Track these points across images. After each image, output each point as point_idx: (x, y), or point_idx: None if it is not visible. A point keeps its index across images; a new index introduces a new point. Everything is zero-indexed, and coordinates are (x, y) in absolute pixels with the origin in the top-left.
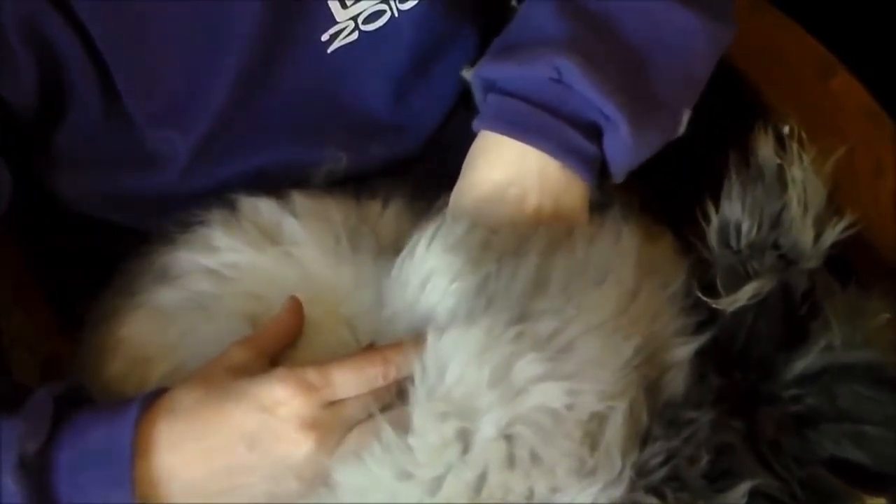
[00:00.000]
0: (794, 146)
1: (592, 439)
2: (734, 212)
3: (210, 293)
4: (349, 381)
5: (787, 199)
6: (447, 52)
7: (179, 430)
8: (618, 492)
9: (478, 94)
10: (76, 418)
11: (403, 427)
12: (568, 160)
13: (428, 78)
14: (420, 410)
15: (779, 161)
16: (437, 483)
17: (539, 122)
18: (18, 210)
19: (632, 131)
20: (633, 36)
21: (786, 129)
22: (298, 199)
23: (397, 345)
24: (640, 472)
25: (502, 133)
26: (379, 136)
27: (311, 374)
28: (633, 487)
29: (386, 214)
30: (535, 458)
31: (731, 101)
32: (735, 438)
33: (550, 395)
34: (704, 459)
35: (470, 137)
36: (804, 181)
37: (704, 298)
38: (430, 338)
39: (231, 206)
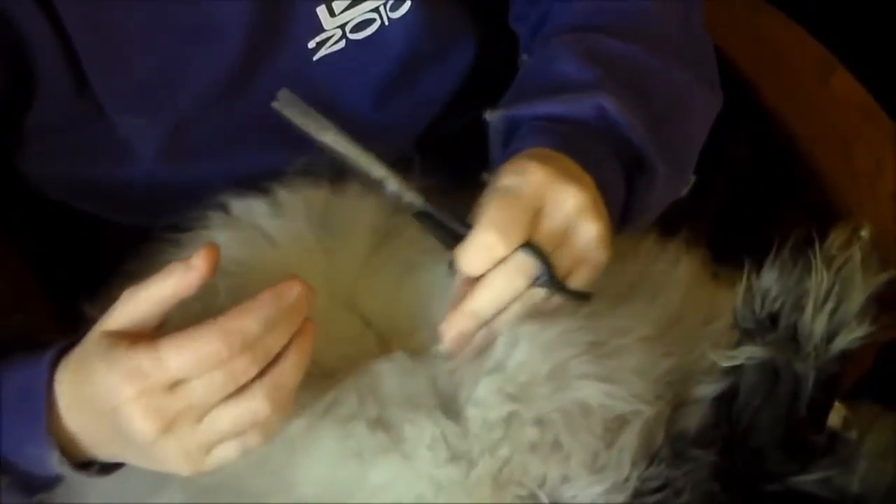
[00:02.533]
0: (857, 251)
1: (611, 437)
2: (768, 280)
3: (217, 285)
4: (186, 361)
5: (808, 289)
6: (437, 60)
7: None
8: (621, 497)
9: (498, 136)
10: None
11: (281, 409)
12: (607, 192)
13: (414, 85)
14: (487, 383)
15: (833, 255)
16: (477, 460)
17: (588, 144)
18: (15, 208)
19: (664, 177)
20: (656, 91)
21: (863, 232)
22: (284, 196)
23: (238, 311)
24: (639, 491)
25: (551, 147)
26: (360, 140)
27: (144, 360)
28: (632, 499)
29: (365, 198)
30: (556, 444)
31: (731, 100)
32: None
33: (589, 392)
34: (685, 498)
35: (458, 141)
36: (838, 282)
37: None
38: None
39: (223, 209)
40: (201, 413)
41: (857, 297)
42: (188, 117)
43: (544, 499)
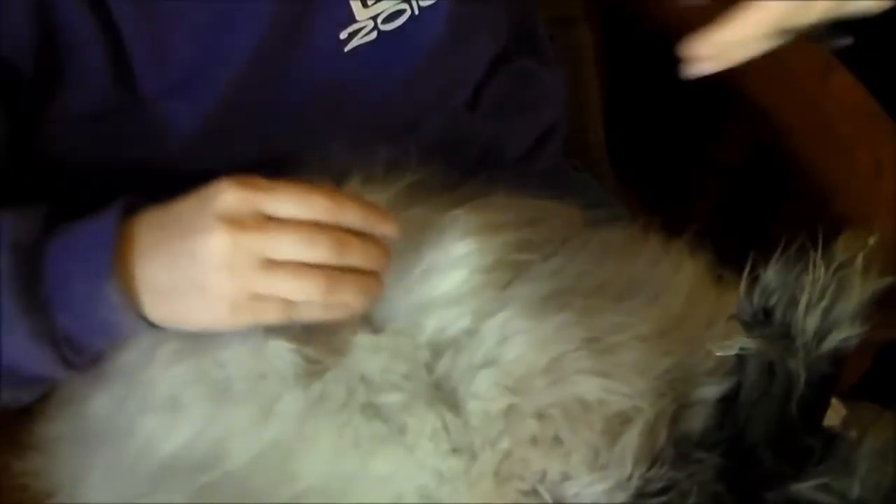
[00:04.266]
0: (860, 256)
1: (612, 436)
2: (768, 275)
3: None
4: (292, 197)
5: (803, 285)
6: (464, 51)
7: (147, 226)
8: (623, 496)
9: None
10: (65, 224)
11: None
12: None
13: (442, 77)
14: (485, 377)
15: (835, 255)
16: (478, 453)
17: None
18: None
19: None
20: None
21: (871, 240)
22: None
23: (354, 196)
24: (641, 491)
25: None
26: (386, 134)
27: (259, 179)
28: (635, 500)
29: (362, 192)
30: (556, 440)
31: (730, 101)
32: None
33: (587, 387)
34: (692, 501)
35: (478, 139)
36: (834, 282)
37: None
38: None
39: None
40: (270, 263)
41: (854, 298)
42: (223, 106)
43: (546, 495)
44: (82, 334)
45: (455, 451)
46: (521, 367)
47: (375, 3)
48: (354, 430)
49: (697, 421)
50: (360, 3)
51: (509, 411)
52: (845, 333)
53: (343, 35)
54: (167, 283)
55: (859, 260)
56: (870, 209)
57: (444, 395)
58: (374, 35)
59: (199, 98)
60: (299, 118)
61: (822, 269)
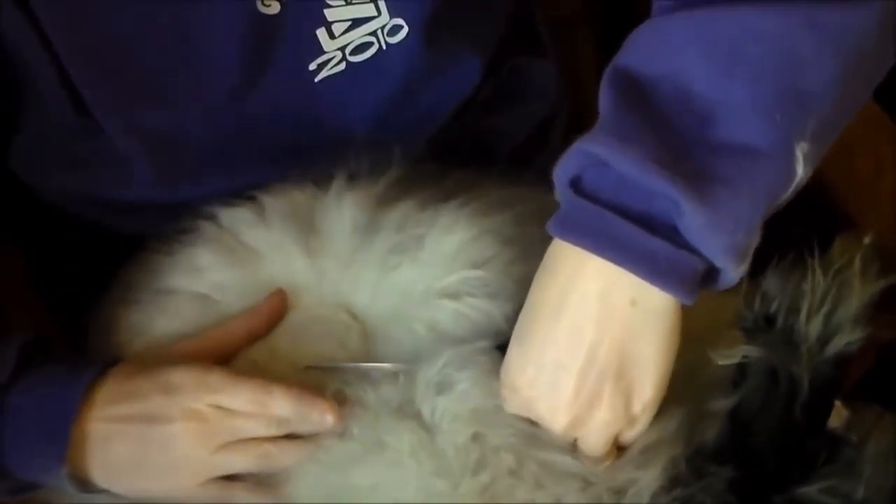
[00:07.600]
0: (858, 257)
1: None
2: (769, 283)
3: (209, 295)
4: (244, 398)
5: (803, 292)
6: (439, 79)
7: (110, 397)
8: None
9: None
10: (37, 370)
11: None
12: (634, 264)
13: (416, 102)
14: (441, 404)
15: (833, 259)
16: (460, 480)
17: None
18: (15, 215)
19: (696, 207)
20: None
21: (866, 240)
22: (268, 201)
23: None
24: None
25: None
26: (361, 156)
27: (213, 375)
28: None
29: (346, 195)
30: (538, 484)
31: None
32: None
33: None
34: None
35: (466, 140)
36: (835, 286)
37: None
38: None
39: (213, 219)
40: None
41: (854, 302)
42: (188, 140)
43: None
44: (32, 486)
45: (438, 473)
46: (478, 397)
47: (343, 34)
48: (326, 451)
49: (709, 434)
50: (327, 35)
51: (478, 439)
52: (848, 337)
53: (312, 66)
54: (129, 461)
55: (857, 263)
56: (870, 209)
57: (413, 413)
58: (343, 66)
59: (158, 132)
60: (271, 146)
61: (822, 275)
